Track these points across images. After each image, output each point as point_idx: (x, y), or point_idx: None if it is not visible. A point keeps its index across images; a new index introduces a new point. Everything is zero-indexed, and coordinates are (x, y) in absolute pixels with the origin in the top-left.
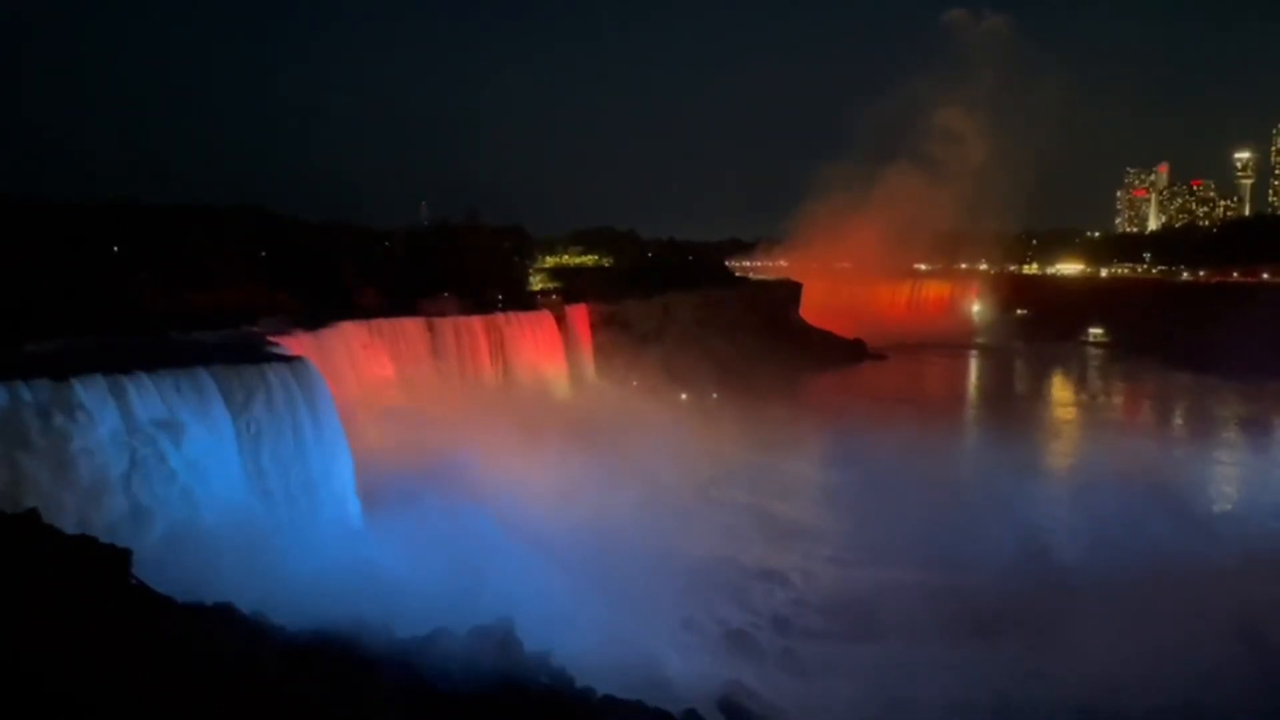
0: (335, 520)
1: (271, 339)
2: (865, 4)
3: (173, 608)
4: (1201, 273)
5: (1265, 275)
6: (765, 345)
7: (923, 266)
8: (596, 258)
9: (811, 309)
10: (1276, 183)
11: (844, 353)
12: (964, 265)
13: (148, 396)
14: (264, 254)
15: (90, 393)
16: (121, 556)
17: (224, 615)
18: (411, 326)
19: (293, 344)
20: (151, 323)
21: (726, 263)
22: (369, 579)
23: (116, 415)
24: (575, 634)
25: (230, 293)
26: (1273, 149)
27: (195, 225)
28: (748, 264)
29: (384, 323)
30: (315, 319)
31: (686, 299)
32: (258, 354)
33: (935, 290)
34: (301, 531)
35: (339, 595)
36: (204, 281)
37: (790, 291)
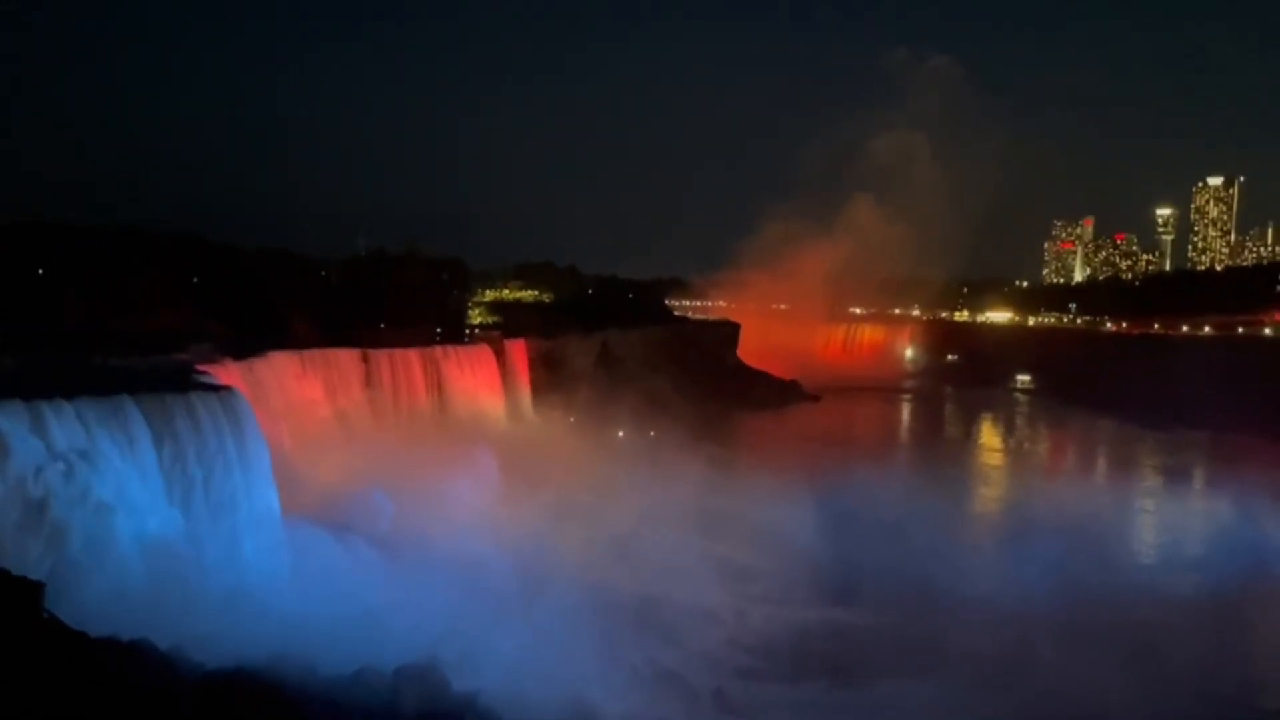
0: (260, 555)
1: (200, 368)
2: (810, 50)
3: (86, 643)
4: (1124, 324)
5: (1185, 328)
6: (703, 384)
7: (858, 311)
8: (536, 293)
9: (749, 350)
10: (1195, 240)
11: (780, 394)
12: (898, 310)
13: (68, 424)
14: (195, 280)
15: (8, 419)
16: (33, 590)
17: (139, 651)
18: (345, 358)
19: (222, 373)
20: (76, 348)
21: (667, 301)
22: (293, 615)
23: (34, 443)
24: (503, 673)
25: (159, 319)
26: (1192, 207)
27: (124, 249)
28: (688, 303)
29: (317, 353)
30: (246, 348)
31: (626, 337)
32: (185, 383)
33: (870, 334)
34: (224, 566)
35: (262, 632)
36: (132, 307)
37: (729, 332)
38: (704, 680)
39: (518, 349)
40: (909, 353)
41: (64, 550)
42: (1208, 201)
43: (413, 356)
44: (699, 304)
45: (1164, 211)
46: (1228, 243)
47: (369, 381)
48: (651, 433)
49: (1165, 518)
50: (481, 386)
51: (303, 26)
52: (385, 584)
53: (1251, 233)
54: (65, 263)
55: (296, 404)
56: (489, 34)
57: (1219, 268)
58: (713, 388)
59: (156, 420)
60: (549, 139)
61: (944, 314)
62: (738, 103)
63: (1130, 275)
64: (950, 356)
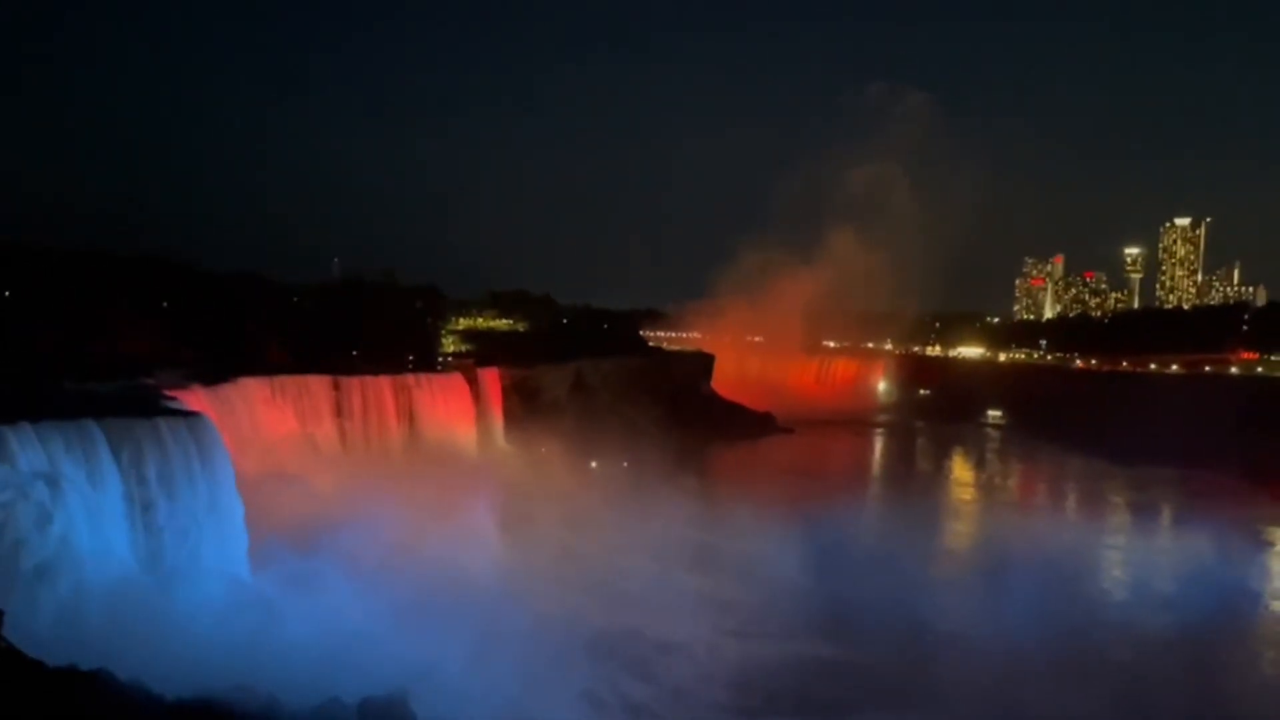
0: (224, 583)
1: (169, 393)
2: (787, 84)
3: (43, 673)
4: (1093, 361)
5: (1153, 365)
6: (677, 415)
7: (832, 344)
8: (511, 322)
9: (723, 381)
10: (1163, 279)
11: (753, 425)
12: (871, 344)
13: (30, 447)
14: (166, 305)
15: None
16: None
17: (99, 681)
18: (316, 384)
19: (191, 399)
20: (43, 371)
21: (641, 331)
22: (257, 645)
23: None
24: (473, 706)
25: (128, 343)
26: (1160, 247)
27: (95, 272)
28: (662, 334)
29: (288, 379)
30: (216, 373)
31: (600, 366)
32: (152, 408)
33: (843, 367)
34: (188, 594)
35: (225, 662)
36: (100, 331)
37: (703, 363)
38: (674, 715)
39: (491, 378)
40: (882, 386)
41: (22, 576)
42: (1175, 241)
43: (384, 384)
44: (673, 334)
45: (1132, 250)
46: (1194, 282)
47: (340, 409)
48: (625, 463)
49: (1135, 554)
50: (454, 415)
51: (283, 50)
52: (353, 614)
53: (1218, 272)
54: (34, 286)
55: (266, 430)
56: (467, 64)
57: (1186, 306)
58: (687, 419)
59: (122, 445)
60: (526, 168)
61: (916, 348)
62: (714, 134)
63: (1099, 313)
64: (922, 391)
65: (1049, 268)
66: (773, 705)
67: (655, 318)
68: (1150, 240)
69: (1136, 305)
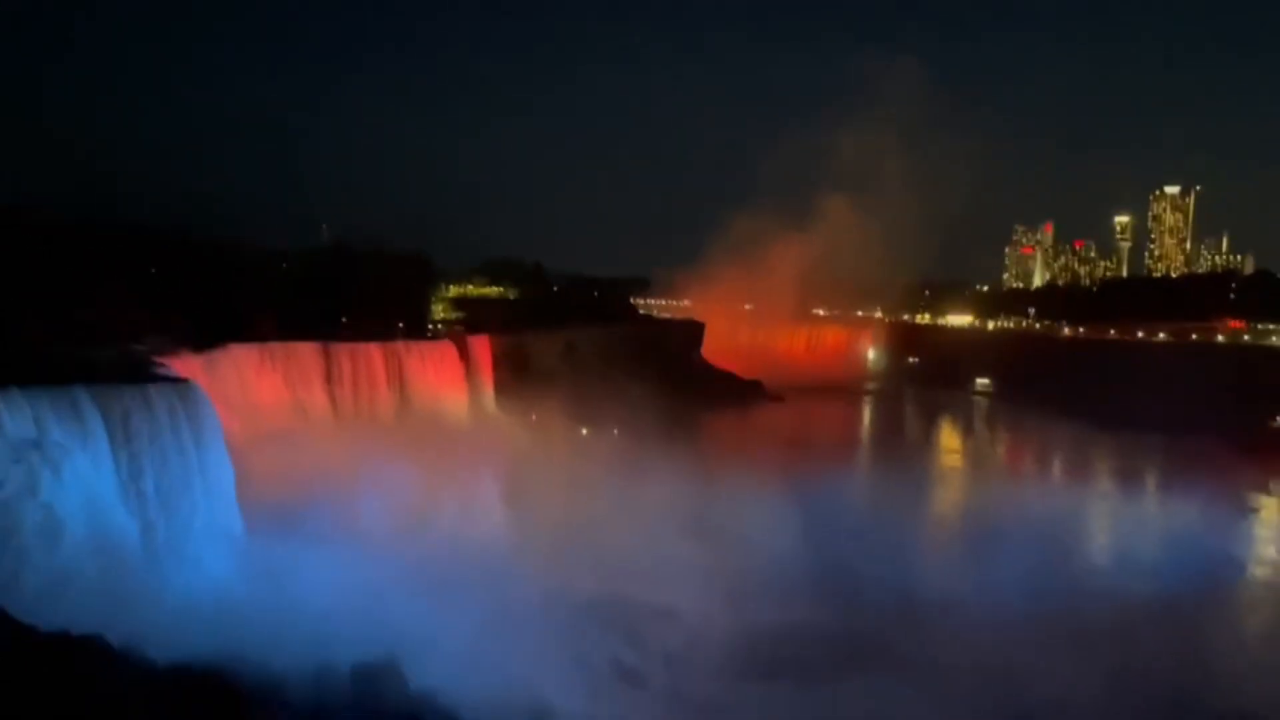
0: (216, 549)
1: (157, 360)
2: (777, 52)
3: (35, 638)
4: (1081, 329)
5: (1140, 334)
6: (668, 383)
7: (821, 312)
8: (502, 289)
9: (714, 349)
10: (1152, 248)
11: (743, 393)
12: (861, 312)
13: (19, 414)
14: (153, 272)
15: None
16: None
17: (91, 647)
18: (306, 351)
19: (180, 365)
20: (29, 340)
21: (632, 299)
22: (249, 611)
23: None
24: (464, 672)
25: (116, 312)
26: (1149, 215)
27: (80, 241)
28: (653, 302)
29: (277, 346)
30: (205, 341)
31: (591, 334)
32: (142, 375)
33: (832, 335)
34: (180, 560)
35: (217, 627)
36: (87, 300)
37: (693, 331)
38: (664, 680)
39: (481, 345)
40: (871, 354)
41: (13, 542)
42: (1165, 209)
43: (374, 351)
44: (664, 303)
45: (1122, 219)
46: (1184, 250)
47: (330, 376)
48: (615, 431)
49: (1122, 520)
50: (444, 383)
51: (273, 20)
52: (344, 580)
53: (1207, 241)
54: (16, 255)
55: (255, 397)
56: (458, 34)
57: (1175, 275)
58: (677, 387)
59: (111, 412)
60: (516, 136)
61: (906, 316)
62: (705, 103)
63: (1088, 281)
64: (911, 359)
65: (1038, 235)
66: (768, 671)
67: (646, 286)
68: (1140, 208)
69: (1125, 274)
